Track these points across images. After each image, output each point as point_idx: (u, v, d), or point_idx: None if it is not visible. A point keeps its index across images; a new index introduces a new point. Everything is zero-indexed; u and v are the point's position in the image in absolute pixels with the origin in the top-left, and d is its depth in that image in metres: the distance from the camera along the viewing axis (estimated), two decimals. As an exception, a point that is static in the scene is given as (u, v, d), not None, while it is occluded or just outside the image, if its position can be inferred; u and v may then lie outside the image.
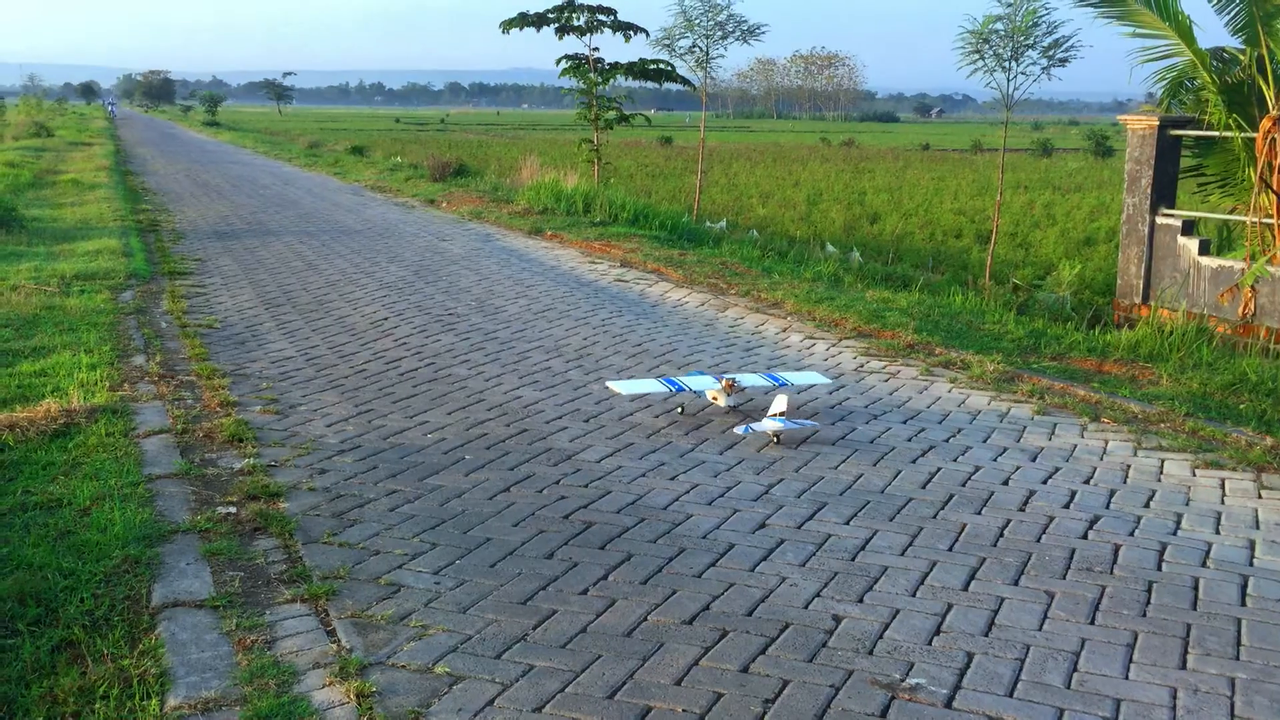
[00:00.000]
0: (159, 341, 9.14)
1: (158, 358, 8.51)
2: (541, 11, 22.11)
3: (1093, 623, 4.46)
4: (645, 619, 4.42)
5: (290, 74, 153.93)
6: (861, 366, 8.77)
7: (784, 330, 10.13)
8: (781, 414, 6.67)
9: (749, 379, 7.50)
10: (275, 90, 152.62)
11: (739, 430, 6.74)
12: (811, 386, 7.86)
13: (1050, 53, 14.17)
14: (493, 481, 5.98)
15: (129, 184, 25.26)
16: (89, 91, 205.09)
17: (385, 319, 10.35)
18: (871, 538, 5.27)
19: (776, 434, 6.71)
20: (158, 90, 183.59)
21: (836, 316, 10.44)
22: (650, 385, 7.45)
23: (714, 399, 7.31)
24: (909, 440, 6.84)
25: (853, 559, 5.04)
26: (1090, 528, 5.46)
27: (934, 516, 5.57)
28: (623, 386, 7.40)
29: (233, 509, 5.49)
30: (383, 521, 5.37)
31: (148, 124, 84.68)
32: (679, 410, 7.37)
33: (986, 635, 4.34)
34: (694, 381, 7.40)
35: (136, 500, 5.46)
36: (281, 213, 19.62)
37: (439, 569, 4.84)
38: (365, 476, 6.01)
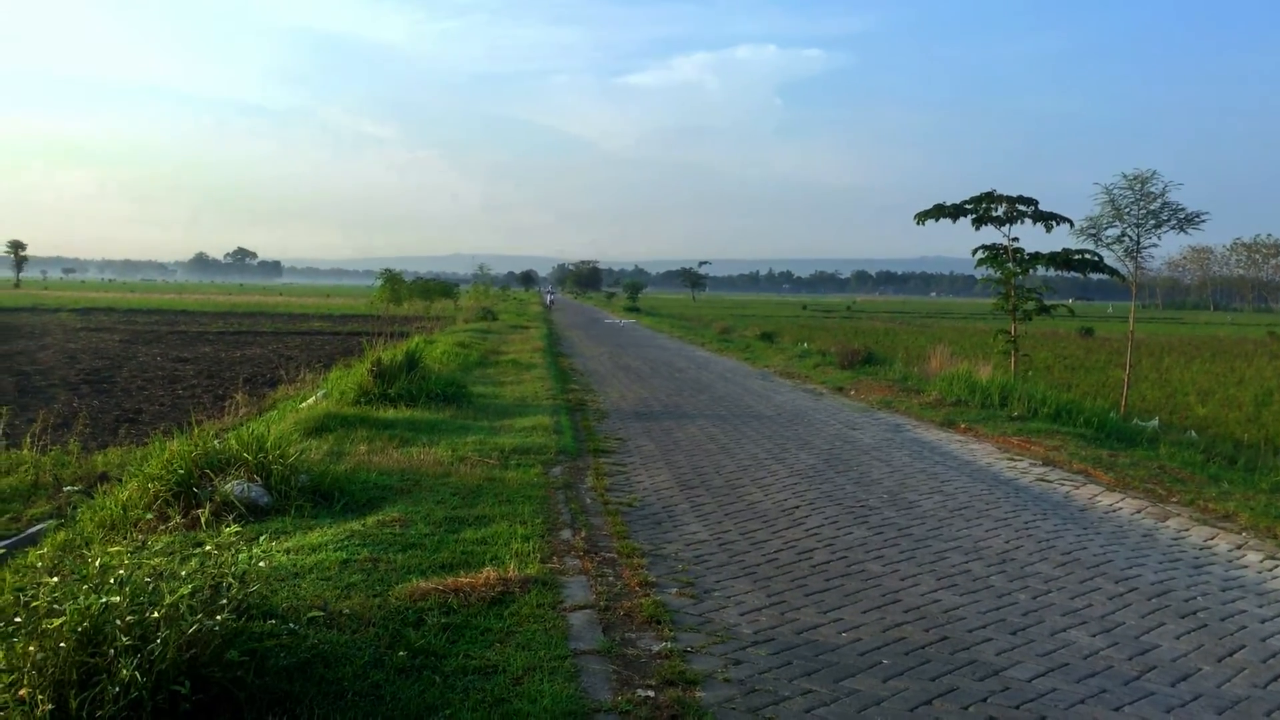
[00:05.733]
0: (584, 517, 9.58)
1: (583, 533, 8.90)
2: (959, 203, 22.06)
3: None
4: None
5: (705, 263, 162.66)
6: (1340, 596, 7.61)
7: (1239, 548, 9.05)
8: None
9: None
10: (691, 278, 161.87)
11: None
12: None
13: None
14: (912, 692, 5.64)
15: (560, 365, 27.33)
16: (528, 279, 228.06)
17: (796, 507, 10.30)
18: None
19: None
20: (586, 278, 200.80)
21: (1303, 535, 9.21)
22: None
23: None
24: None
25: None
26: None
27: None
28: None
29: (651, 693, 5.52)
30: (798, 724, 5.18)
31: (577, 309, 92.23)
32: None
33: None
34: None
35: (563, 674, 5.63)
36: (695, 396, 20.40)
37: (859, 785, 4.56)
38: (780, 672, 5.87)
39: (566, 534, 8.86)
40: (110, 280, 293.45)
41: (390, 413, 15.36)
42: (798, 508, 10.27)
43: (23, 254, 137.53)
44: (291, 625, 5.62)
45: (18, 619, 4.67)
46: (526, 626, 6.39)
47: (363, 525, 8.53)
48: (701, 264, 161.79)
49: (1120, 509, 10.57)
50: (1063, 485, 11.75)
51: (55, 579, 4.99)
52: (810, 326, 59.02)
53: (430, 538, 8.33)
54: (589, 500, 10.38)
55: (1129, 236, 19.12)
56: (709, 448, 13.87)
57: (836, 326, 61.15)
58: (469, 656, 5.84)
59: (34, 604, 4.73)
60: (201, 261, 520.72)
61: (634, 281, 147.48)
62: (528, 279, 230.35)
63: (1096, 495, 11.21)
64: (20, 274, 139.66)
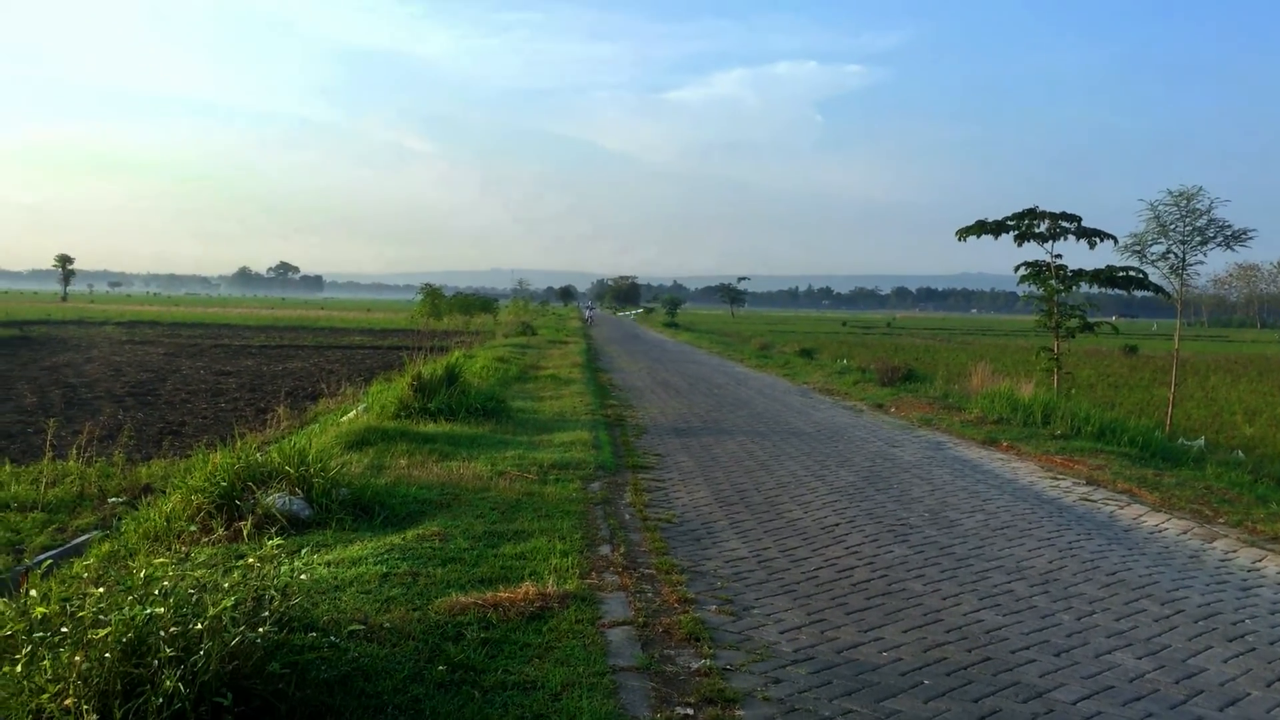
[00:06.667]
0: (623, 533, 9.56)
1: (621, 549, 8.89)
2: (1001, 219, 21.91)
3: None
4: None
5: (744, 279, 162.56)
6: (1394, 621, 7.44)
7: (1288, 569, 8.88)
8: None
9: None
10: (729, 294, 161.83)
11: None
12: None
13: None
14: (954, 713, 5.57)
15: (598, 380, 27.35)
16: (567, 294, 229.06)
17: (836, 525, 10.23)
18: None
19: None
20: (625, 294, 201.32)
21: (1355, 557, 9.03)
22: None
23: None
24: None
25: None
26: None
27: None
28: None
29: (690, 710, 5.49)
30: (839, 744, 5.13)
31: (615, 324, 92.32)
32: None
33: None
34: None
35: (602, 691, 5.61)
36: (734, 412, 20.34)
37: (900, 807, 4.50)
38: (820, 691, 5.82)
39: (605, 549, 8.85)
40: (155, 294, 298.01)
41: (430, 427, 15.42)
42: (838, 525, 10.20)
43: (70, 268, 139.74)
44: (332, 638, 5.64)
45: (64, 629, 4.72)
46: (565, 642, 6.38)
47: (402, 539, 8.56)
48: (740, 279, 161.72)
49: (1166, 529, 10.41)
50: (1107, 505, 11.60)
51: (100, 589, 5.04)
52: (850, 343, 58.79)
53: (470, 552, 8.34)
54: (628, 516, 10.36)
55: (1174, 253, 18.91)
56: (748, 464, 13.81)
57: (876, 343, 60.86)
58: (508, 672, 5.84)
59: (80, 614, 4.78)
60: (245, 275, 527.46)
61: (672, 297, 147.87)
62: (566, 294, 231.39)
63: (1142, 515, 11.06)
64: (68, 287, 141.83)
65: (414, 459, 12.67)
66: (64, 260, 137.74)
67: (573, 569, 7.99)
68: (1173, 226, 18.74)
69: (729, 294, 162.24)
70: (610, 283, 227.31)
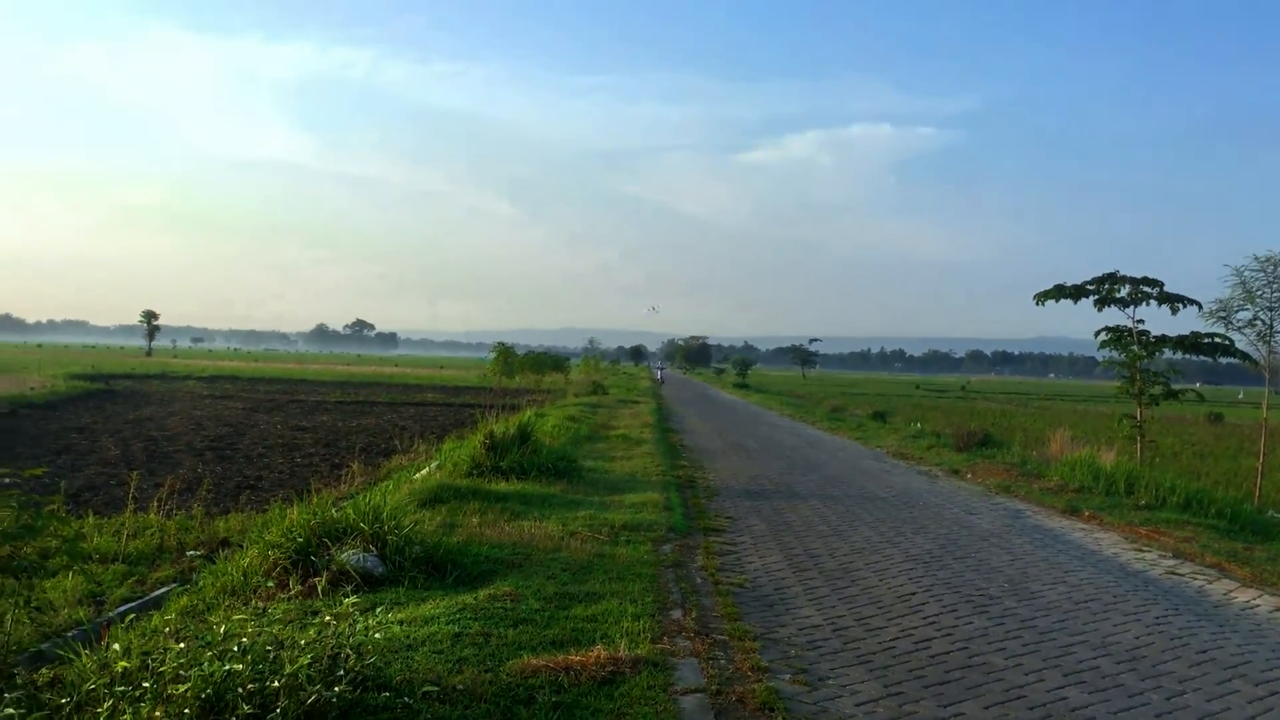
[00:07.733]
0: (694, 597, 9.45)
1: (693, 614, 8.77)
2: (1081, 284, 21.59)
3: None
4: None
5: (816, 340, 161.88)
6: None
7: (1391, 651, 8.49)
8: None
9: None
10: (800, 355, 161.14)
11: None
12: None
13: None
14: (1040, 795, 5.37)
15: (669, 441, 27.27)
16: (637, 354, 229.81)
17: (912, 594, 10.01)
18: None
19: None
20: (696, 354, 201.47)
21: None
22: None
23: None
24: None
25: None
26: None
27: None
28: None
29: (764, 785, 5.36)
30: (919, 824, 4.97)
31: (685, 384, 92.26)
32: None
33: None
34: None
35: (674, 761, 5.51)
36: (806, 476, 20.12)
37: None
38: (898, 768, 5.66)
39: (677, 614, 8.74)
40: (235, 349, 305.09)
41: (502, 485, 15.46)
42: (914, 594, 9.99)
43: (155, 324, 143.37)
44: (405, 699, 5.63)
45: (144, 684, 4.77)
46: (637, 709, 6.29)
47: (474, 598, 8.55)
48: (812, 341, 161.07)
49: (1258, 606, 10.04)
50: (1195, 579, 11.23)
51: (180, 644, 5.09)
52: (923, 406, 58.05)
53: (541, 613, 8.30)
54: (699, 580, 10.25)
55: (1261, 320, 18.43)
56: (821, 529, 13.62)
57: (950, 407, 60.05)
58: (579, 738, 5.76)
59: (160, 669, 4.83)
60: (322, 332, 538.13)
61: (743, 358, 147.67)
62: (637, 354, 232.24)
63: (1232, 591, 10.69)
64: (152, 343, 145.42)
65: (486, 518, 12.70)
66: (149, 316, 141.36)
67: (644, 633, 7.90)
68: (1259, 292, 18.30)
69: (800, 355, 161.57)
70: (681, 343, 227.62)
